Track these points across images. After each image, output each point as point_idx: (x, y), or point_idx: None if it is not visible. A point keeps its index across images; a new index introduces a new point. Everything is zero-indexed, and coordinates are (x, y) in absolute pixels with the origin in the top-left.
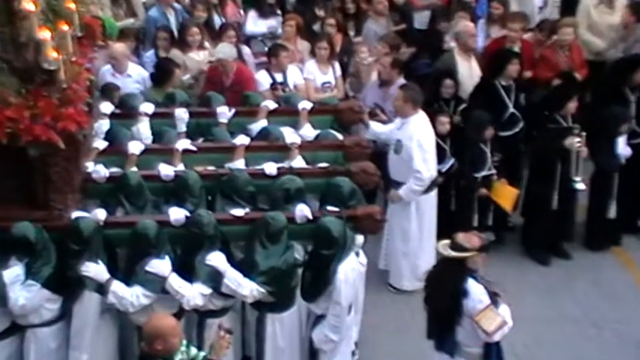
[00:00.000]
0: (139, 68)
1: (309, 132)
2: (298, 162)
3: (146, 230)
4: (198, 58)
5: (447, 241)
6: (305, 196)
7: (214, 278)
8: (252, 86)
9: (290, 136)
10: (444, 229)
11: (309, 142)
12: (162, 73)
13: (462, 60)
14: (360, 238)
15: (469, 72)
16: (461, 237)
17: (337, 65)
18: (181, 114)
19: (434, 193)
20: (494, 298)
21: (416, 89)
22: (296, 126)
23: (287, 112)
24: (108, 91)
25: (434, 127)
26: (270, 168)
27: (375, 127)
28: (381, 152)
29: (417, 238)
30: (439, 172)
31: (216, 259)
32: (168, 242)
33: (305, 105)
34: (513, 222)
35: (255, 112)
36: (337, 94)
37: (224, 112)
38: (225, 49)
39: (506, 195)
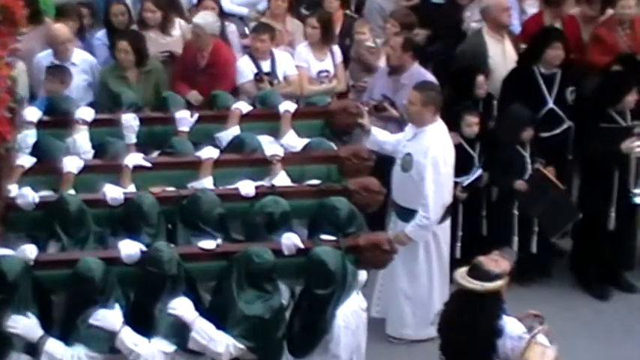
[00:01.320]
0: (86, 55)
1: (293, 141)
2: (282, 179)
3: (89, 271)
4: (164, 40)
5: (465, 269)
6: (291, 222)
7: (179, 331)
8: (231, 70)
9: (270, 146)
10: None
11: (295, 154)
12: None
13: (493, 41)
14: (362, 275)
15: (502, 56)
16: (485, 262)
17: (337, 50)
18: (130, 120)
19: (448, 221)
20: (529, 325)
21: (436, 89)
22: (277, 133)
23: (265, 115)
24: (57, 73)
25: (459, 128)
26: (246, 187)
27: (378, 133)
28: (385, 163)
29: (425, 278)
30: (463, 186)
31: (180, 306)
32: (118, 286)
33: (287, 107)
34: (561, 246)
35: (224, 116)
36: (338, 86)
37: (185, 118)
38: (208, 18)
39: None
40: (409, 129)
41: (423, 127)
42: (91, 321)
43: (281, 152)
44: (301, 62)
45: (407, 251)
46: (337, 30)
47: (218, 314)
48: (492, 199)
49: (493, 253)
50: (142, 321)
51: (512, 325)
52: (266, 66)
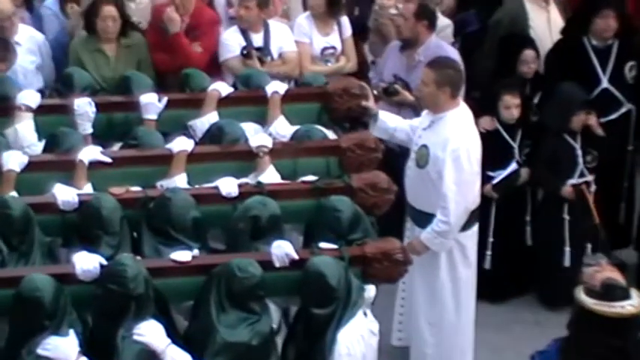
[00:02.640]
0: (33, 31)
1: (284, 129)
2: (270, 175)
3: (36, 290)
4: (129, 7)
5: (585, 293)
6: (282, 227)
7: None
8: (214, 35)
9: (257, 136)
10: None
11: (286, 145)
12: (87, 13)
13: (535, 8)
14: (370, 290)
15: (546, 26)
16: (614, 277)
17: (345, 21)
18: (84, 106)
19: (475, 227)
20: None
21: (455, 66)
22: (264, 120)
23: (249, 98)
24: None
25: (496, 111)
26: (228, 186)
27: (388, 119)
28: (396, 156)
29: (450, 299)
30: (494, 184)
31: (149, 331)
32: (72, 308)
33: (276, 88)
34: (620, 258)
35: (199, 100)
36: (346, 65)
37: (151, 103)
38: None
39: None
40: (425, 115)
41: (441, 113)
42: (40, 351)
43: (269, 143)
44: (302, 37)
45: (426, 266)
46: None
47: (195, 341)
48: (537, 201)
49: (598, 264)
50: (103, 350)
51: None
52: (258, 40)
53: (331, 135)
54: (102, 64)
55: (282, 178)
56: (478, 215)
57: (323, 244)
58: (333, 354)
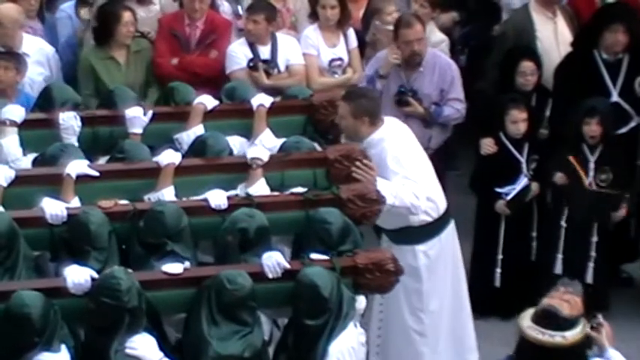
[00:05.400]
0: (40, 42)
1: (270, 141)
2: (260, 187)
3: (24, 307)
4: (143, 13)
5: (530, 317)
6: (270, 239)
7: None
8: (229, 38)
9: (253, 148)
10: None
11: (273, 157)
12: (102, 21)
13: (542, 19)
14: (361, 302)
15: (554, 38)
16: (558, 305)
17: (352, 33)
18: (69, 120)
19: (454, 244)
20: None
21: (368, 95)
22: (249, 133)
23: (234, 111)
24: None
25: (503, 126)
26: (217, 198)
27: None
28: None
29: (436, 313)
30: (508, 200)
31: (141, 345)
32: (63, 323)
33: (262, 100)
34: (628, 273)
35: (184, 113)
36: (354, 77)
37: (137, 117)
38: None
39: None
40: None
41: (367, 139)
42: None
43: (265, 156)
44: (310, 49)
45: (408, 274)
46: (362, 10)
47: (187, 354)
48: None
49: (559, 289)
50: None
51: None
52: (265, 52)
53: (317, 147)
54: (114, 71)
55: (270, 189)
56: (451, 213)
57: (314, 255)
58: None
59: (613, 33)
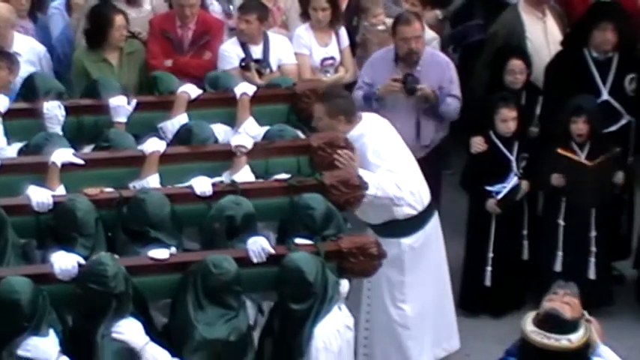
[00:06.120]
0: (32, 42)
1: (253, 129)
2: (245, 174)
3: (13, 293)
4: (134, 14)
5: (532, 322)
6: (256, 225)
7: (126, 359)
8: (221, 38)
9: (237, 136)
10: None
11: (257, 145)
12: (95, 25)
13: (531, 19)
14: (344, 285)
15: (543, 38)
16: (559, 308)
17: (343, 32)
18: (53, 109)
19: (437, 234)
20: None
21: (342, 94)
22: (233, 121)
23: (218, 100)
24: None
25: (493, 124)
26: (202, 185)
27: None
28: None
29: (418, 304)
30: (499, 199)
31: (128, 329)
32: (51, 308)
33: (245, 89)
34: (619, 270)
35: (168, 102)
36: (346, 76)
37: (121, 106)
38: None
39: None
40: None
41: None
42: (20, 352)
43: (249, 143)
44: (302, 49)
45: (390, 265)
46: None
47: (173, 338)
48: (537, 213)
49: (557, 292)
50: (83, 349)
51: None
52: (257, 52)
53: (301, 135)
54: (107, 72)
55: (255, 177)
56: (436, 207)
57: (299, 240)
58: (311, 349)
59: (602, 31)
